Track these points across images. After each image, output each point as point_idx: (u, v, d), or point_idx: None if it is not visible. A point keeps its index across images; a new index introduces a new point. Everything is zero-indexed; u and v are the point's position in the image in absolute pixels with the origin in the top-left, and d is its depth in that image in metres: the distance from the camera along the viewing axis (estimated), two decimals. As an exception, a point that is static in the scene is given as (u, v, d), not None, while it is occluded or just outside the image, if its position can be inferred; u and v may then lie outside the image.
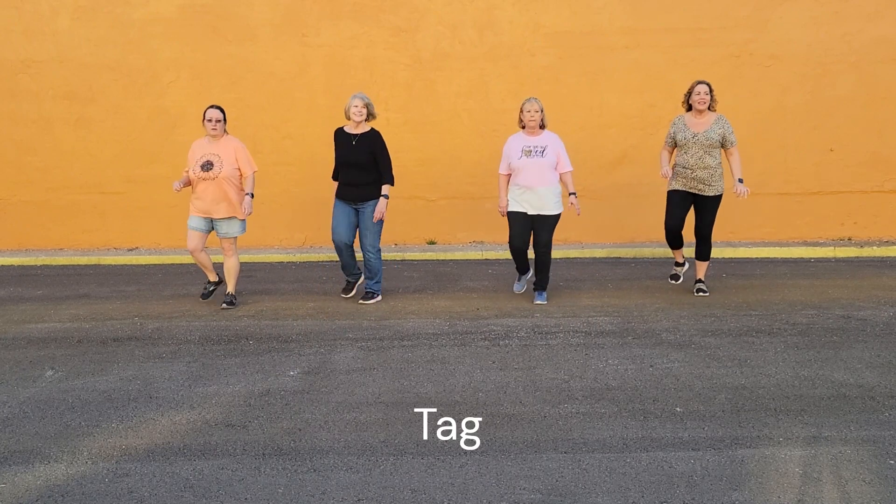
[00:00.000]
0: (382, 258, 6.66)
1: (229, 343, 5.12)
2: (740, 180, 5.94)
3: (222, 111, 6.16)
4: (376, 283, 6.40)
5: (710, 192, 6.08)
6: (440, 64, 9.14)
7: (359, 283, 6.57)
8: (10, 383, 4.32)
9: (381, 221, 6.18)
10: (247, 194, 6.13)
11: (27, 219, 9.52)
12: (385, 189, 6.17)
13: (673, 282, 6.69)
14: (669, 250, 8.71)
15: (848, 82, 8.93)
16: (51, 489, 2.98)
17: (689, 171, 6.05)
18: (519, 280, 6.42)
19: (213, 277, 6.46)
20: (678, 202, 6.18)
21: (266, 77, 9.21)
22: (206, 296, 6.49)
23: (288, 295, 6.77)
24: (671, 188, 6.23)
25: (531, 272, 6.38)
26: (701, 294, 6.35)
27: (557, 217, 6.05)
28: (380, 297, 6.40)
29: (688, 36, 8.95)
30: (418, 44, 9.12)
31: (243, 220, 6.23)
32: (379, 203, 6.12)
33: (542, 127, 6.09)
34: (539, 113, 6.00)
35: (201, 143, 6.20)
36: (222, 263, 6.45)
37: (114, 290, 7.14)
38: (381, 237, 6.32)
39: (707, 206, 6.14)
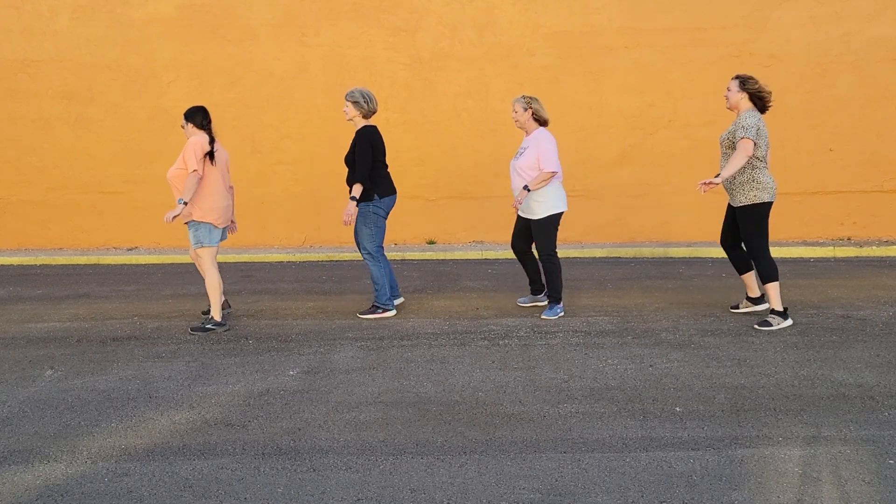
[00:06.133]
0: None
1: (229, 343, 5.11)
2: (717, 176, 5.09)
3: (194, 113, 5.35)
4: (376, 292, 5.63)
5: (733, 203, 5.29)
6: (440, 64, 9.14)
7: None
8: (9, 383, 4.32)
9: (370, 222, 5.50)
10: (179, 201, 5.10)
11: (27, 219, 9.52)
12: (354, 190, 5.39)
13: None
14: (669, 250, 8.73)
15: (847, 82, 8.94)
16: (50, 489, 2.98)
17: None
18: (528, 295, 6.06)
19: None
20: (727, 211, 5.53)
21: (265, 77, 9.21)
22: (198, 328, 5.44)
23: (288, 295, 6.77)
24: None
25: (542, 294, 6.01)
26: (766, 328, 5.18)
27: (543, 221, 5.57)
28: (387, 314, 5.70)
29: (687, 36, 8.95)
30: (418, 44, 9.12)
31: (197, 230, 5.31)
32: (348, 206, 5.39)
33: (545, 123, 5.63)
34: (516, 113, 5.56)
35: None
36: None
37: (113, 290, 7.14)
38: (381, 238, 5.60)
39: (737, 218, 5.35)
